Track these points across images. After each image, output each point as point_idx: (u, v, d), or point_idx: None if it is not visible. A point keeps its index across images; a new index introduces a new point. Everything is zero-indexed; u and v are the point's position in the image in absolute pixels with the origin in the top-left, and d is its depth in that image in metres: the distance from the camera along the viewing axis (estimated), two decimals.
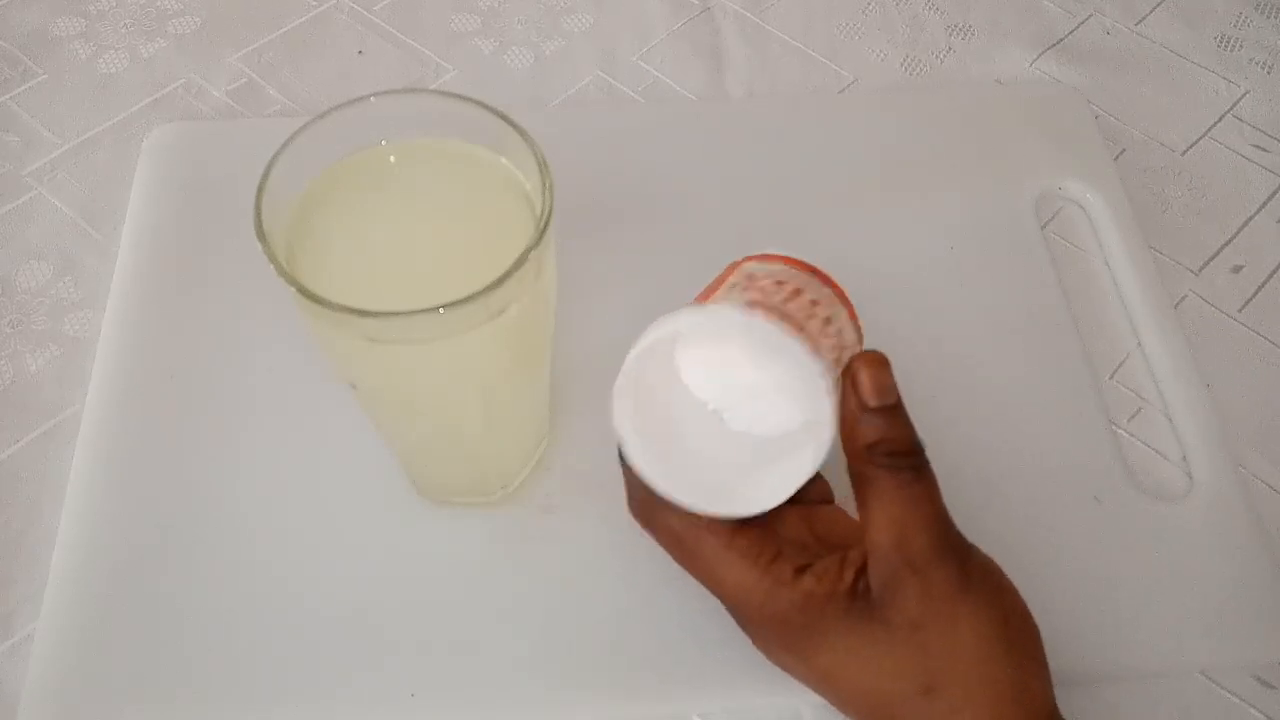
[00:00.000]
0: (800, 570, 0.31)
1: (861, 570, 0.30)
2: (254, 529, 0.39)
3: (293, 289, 0.27)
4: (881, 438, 0.30)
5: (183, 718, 0.35)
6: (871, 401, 0.30)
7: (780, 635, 0.31)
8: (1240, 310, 0.47)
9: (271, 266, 0.28)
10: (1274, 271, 0.48)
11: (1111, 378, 0.45)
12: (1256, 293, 0.48)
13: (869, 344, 0.41)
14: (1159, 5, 0.59)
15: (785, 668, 0.32)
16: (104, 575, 0.38)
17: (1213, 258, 0.49)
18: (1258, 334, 0.46)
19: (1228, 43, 0.58)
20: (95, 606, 0.37)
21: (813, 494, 0.35)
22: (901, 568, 0.29)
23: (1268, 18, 0.59)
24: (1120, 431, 0.43)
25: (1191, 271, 0.48)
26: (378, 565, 0.38)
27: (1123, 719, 0.37)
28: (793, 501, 0.34)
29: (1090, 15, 0.59)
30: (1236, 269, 0.49)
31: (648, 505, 0.33)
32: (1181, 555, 0.39)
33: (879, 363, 0.30)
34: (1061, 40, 0.58)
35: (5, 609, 0.38)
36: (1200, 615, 0.38)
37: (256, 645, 0.36)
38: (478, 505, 0.39)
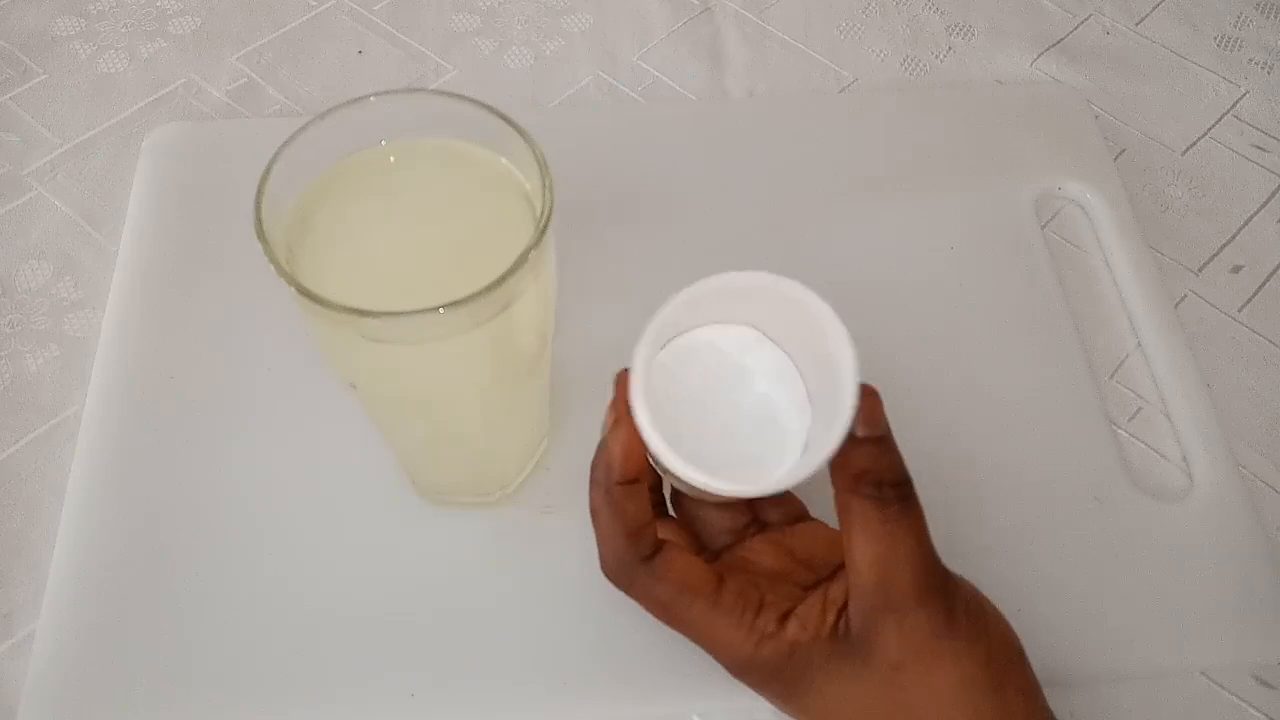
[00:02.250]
0: (784, 618, 0.31)
1: (843, 609, 0.30)
2: (254, 529, 0.39)
3: (293, 289, 0.27)
4: (870, 467, 0.29)
5: (182, 718, 0.35)
6: (860, 431, 0.29)
7: (772, 683, 0.31)
8: (1240, 310, 0.47)
9: (271, 266, 0.28)
10: (1274, 271, 0.49)
11: (1111, 378, 0.45)
12: (1256, 293, 0.48)
13: (867, 347, 0.41)
14: (1159, 5, 0.59)
15: (780, 710, 0.32)
16: (104, 575, 0.38)
17: (1213, 258, 0.49)
18: (1258, 334, 0.46)
19: (1228, 43, 0.58)
20: (95, 606, 0.37)
21: (784, 515, 0.34)
22: (882, 607, 0.29)
23: (1268, 18, 0.59)
24: (1120, 431, 0.43)
25: (1191, 271, 0.48)
26: (377, 565, 0.38)
27: (1123, 719, 0.37)
28: (763, 528, 0.34)
29: (1090, 15, 0.59)
30: (1236, 269, 0.49)
31: (626, 569, 0.31)
32: (1181, 555, 0.39)
33: (869, 394, 0.30)
34: (1061, 40, 0.58)
35: (5, 609, 0.38)
36: (1200, 615, 0.38)
37: (256, 645, 0.36)
38: (477, 505, 0.39)
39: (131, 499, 0.39)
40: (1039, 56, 0.57)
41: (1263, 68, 0.56)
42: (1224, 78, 0.56)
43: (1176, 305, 0.47)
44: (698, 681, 0.36)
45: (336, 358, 0.32)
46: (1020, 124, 0.52)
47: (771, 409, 0.31)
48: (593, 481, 0.32)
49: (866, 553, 0.29)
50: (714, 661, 0.33)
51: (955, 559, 0.38)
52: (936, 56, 0.57)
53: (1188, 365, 0.44)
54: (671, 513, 0.35)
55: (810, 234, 0.47)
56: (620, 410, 0.30)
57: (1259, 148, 0.53)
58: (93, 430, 0.41)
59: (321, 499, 0.39)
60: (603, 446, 0.31)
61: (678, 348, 0.31)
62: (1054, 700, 0.37)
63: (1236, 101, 0.55)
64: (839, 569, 0.32)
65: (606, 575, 0.32)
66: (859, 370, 0.28)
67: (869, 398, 0.29)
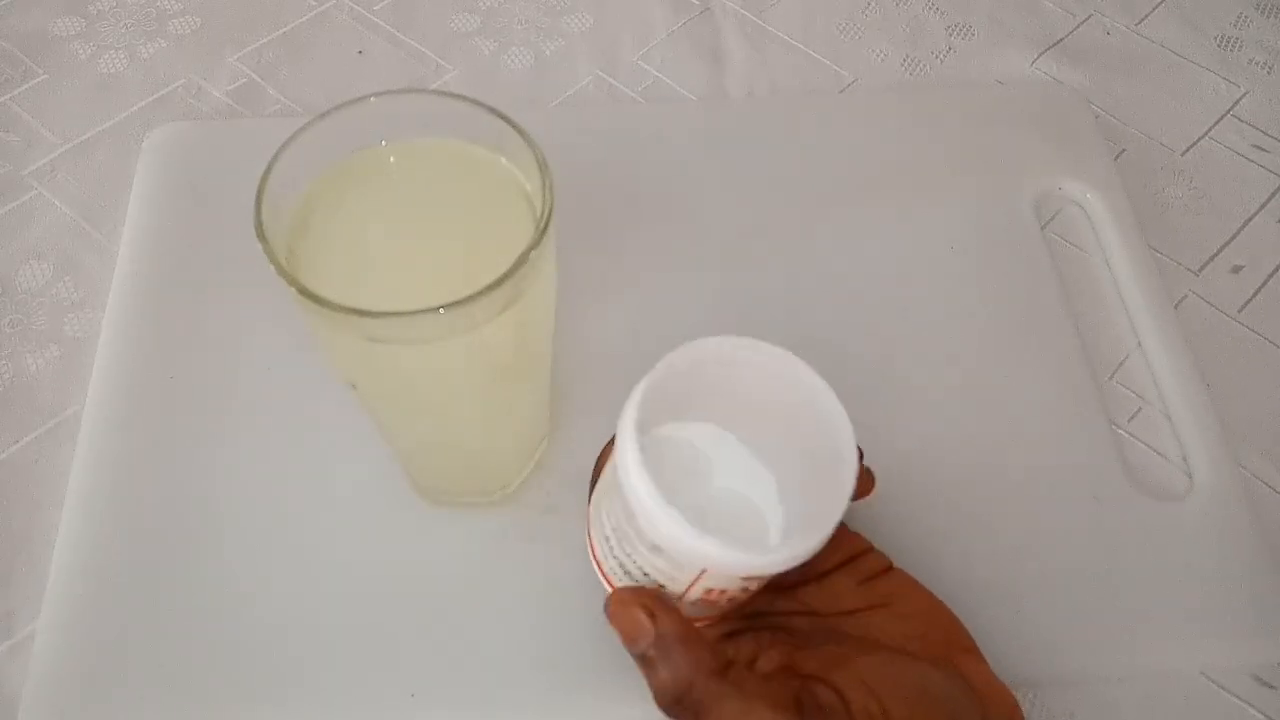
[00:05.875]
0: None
1: None
2: (253, 529, 0.39)
3: (293, 289, 0.27)
4: (650, 685, 0.29)
5: (182, 717, 0.35)
6: (633, 651, 0.29)
7: None
8: (1240, 310, 0.47)
9: (271, 266, 0.28)
10: (1274, 271, 0.49)
11: (1111, 378, 0.44)
12: (1256, 293, 0.48)
13: (868, 348, 0.41)
14: (1159, 5, 0.59)
15: None
16: (104, 575, 0.38)
17: (1213, 258, 0.49)
18: (1258, 334, 0.46)
19: (1228, 43, 0.58)
20: (95, 606, 0.37)
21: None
22: None
23: (1268, 18, 0.59)
24: (1120, 431, 0.43)
25: (1191, 271, 0.48)
26: (378, 565, 0.38)
27: (1123, 719, 0.37)
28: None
29: (1090, 15, 0.59)
30: (1236, 269, 0.49)
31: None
32: (1181, 555, 0.39)
33: (628, 604, 0.29)
34: (1061, 40, 0.58)
35: (5, 609, 0.38)
36: (1200, 615, 0.38)
37: (256, 645, 0.36)
38: (478, 505, 0.39)
39: (131, 499, 0.39)
40: (1039, 56, 0.57)
41: (1263, 68, 0.56)
42: (1224, 78, 0.56)
43: (1176, 305, 0.47)
44: None
45: (336, 358, 0.32)
46: (1020, 124, 0.52)
47: (741, 499, 0.31)
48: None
49: None
50: None
51: (955, 559, 0.38)
52: (936, 56, 0.57)
53: (1188, 365, 0.44)
54: None
55: (810, 234, 0.47)
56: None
57: (1259, 148, 0.53)
58: (93, 430, 0.41)
59: (321, 499, 0.39)
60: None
61: (647, 441, 0.31)
62: (1054, 700, 0.37)
63: (1236, 101, 0.55)
64: (826, 572, 0.32)
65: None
66: (854, 442, 0.28)
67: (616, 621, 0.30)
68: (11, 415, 0.43)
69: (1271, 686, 0.38)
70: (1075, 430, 0.42)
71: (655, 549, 0.28)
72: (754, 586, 0.29)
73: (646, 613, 0.29)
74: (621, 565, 0.30)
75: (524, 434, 0.39)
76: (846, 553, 0.33)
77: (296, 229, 0.30)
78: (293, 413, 0.41)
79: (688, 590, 0.29)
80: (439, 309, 0.27)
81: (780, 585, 0.32)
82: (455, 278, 0.27)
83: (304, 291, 0.27)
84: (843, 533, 0.34)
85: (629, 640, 0.29)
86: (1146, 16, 0.59)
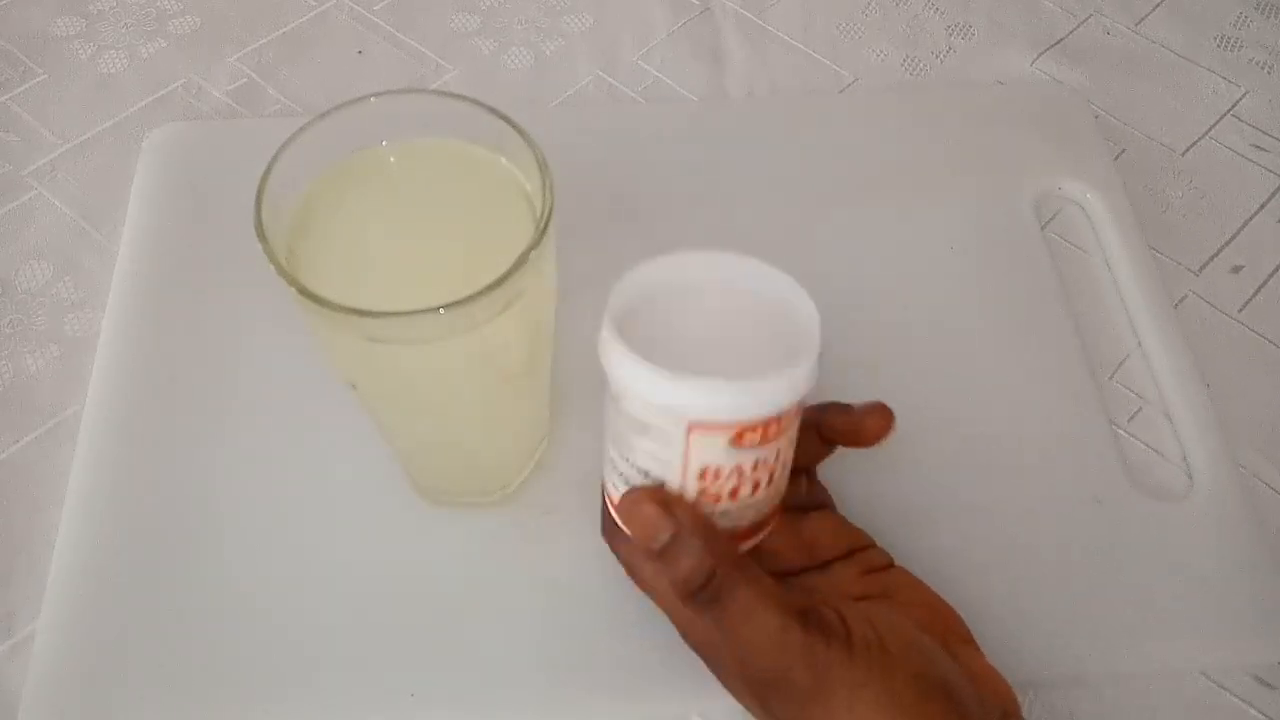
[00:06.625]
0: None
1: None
2: (253, 529, 0.39)
3: (293, 289, 0.27)
4: (672, 580, 0.28)
5: (182, 717, 0.35)
6: (653, 546, 0.29)
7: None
8: (1240, 310, 0.47)
9: (271, 266, 0.28)
10: (1274, 271, 0.48)
11: (1111, 378, 0.44)
12: (1256, 293, 0.48)
13: (867, 348, 0.41)
14: (1159, 5, 0.59)
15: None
16: (104, 575, 0.38)
17: (1213, 258, 0.49)
18: (1258, 334, 0.46)
19: (1228, 43, 0.58)
20: (95, 606, 0.37)
21: (806, 500, 0.34)
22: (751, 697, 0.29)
23: (1268, 18, 0.59)
24: (1120, 431, 0.43)
25: (1191, 271, 0.48)
26: (378, 565, 0.38)
27: (1123, 719, 0.37)
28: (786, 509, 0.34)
29: (1090, 15, 0.59)
30: (1236, 269, 0.49)
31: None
32: (1181, 555, 0.39)
33: (638, 501, 0.29)
34: (1061, 40, 0.58)
35: (5, 609, 0.38)
36: (1200, 615, 0.38)
37: (256, 645, 0.36)
38: (478, 505, 0.39)
39: (131, 499, 0.39)
40: (1039, 56, 0.57)
41: (1263, 68, 0.56)
42: (1224, 78, 0.56)
43: (1176, 305, 0.47)
44: (698, 681, 0.36)
45: (336, 358, 0.32)
46: (1020, 124, 0.52)
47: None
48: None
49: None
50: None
51: (955, 559, 0.38)
52: (936, 56, 0.57)
53: (1188, 365, 0.44)
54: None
55: (810, 234, 0.47)
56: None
57: (1259, 148, 0.53)
58: (93, 430, 0.41)
59: (321, 499, 0.39)
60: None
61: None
62: (1054, 700, 0.37)
63: (1236, 101, 0.55)
64: (829, 562, 0.32)
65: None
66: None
67: (639, 506, 0.29)
68: (11, 415, 0.43)
69: (1271, 686, 0.38)
70: (1075, 430, 0.42)
71: (643, 429, 0.28)
72: (748, 465, 0.28)
73: (660, 505, 0.28)
74: (623, 477, 0.30)
75: (524, 434, 0.39)
76: (849, 545, 0.33)
77: (296, 229, 0.30)
78: (293, 413, 0.41)
79: (684, 479, 0.29)
80: (439, 309, 0.27)
81: (784, 571, 0.33)
82: (455, 278, 0.27)
83: (304, 291, 0.27)
84: (845, 525, 0.34)
85: (647, 535, 0.28)
86: (1146, 16, 0.59)
